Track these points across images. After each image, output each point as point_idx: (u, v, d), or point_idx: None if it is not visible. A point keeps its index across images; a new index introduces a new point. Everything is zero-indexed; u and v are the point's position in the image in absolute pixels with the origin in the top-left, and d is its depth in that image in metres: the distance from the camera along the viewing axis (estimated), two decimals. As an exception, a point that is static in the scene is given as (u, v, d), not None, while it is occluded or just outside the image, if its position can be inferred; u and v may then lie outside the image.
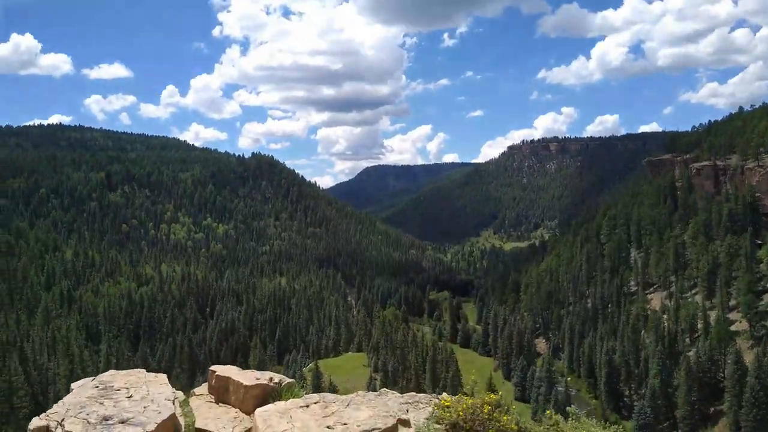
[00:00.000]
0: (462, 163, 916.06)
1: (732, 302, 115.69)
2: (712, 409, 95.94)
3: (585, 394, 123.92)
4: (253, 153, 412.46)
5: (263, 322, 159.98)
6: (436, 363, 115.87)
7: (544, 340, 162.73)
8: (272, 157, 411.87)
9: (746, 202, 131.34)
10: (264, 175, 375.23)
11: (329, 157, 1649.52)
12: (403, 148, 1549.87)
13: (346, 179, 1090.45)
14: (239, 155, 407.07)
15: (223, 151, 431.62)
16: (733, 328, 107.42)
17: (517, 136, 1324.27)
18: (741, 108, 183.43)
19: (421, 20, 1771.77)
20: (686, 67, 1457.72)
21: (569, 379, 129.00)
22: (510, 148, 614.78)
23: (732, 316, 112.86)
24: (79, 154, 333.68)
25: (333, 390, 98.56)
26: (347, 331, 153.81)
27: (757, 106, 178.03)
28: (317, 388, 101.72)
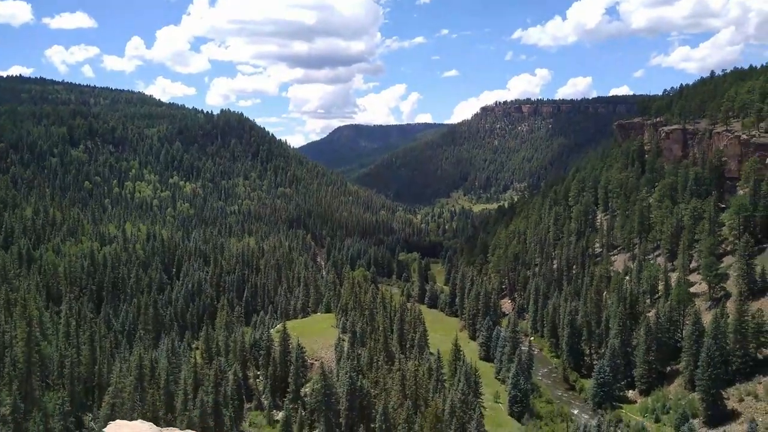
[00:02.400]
0: (435, 123, 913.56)
1: (693, 264, 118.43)
2: (668, 368, 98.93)
3: (547, 353, 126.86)
4: (222, 110, 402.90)
5: (231, 282, 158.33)
6: (404, 323, 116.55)
7: (510, 301, 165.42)
8: (242, 114, 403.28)
9: (712, 166, 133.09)
10: (233, 132, 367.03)
11: (301, 116, 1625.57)
12: (377, 108, 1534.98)
13: (317, 138, 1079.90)
14: (208, 112, 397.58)
15: (190, 107, 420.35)
16: (693, 290, 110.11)
17: (490, 97, 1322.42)
18: (712, 72, 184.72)
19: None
20: (660, 31, 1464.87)
21: (533, 339, 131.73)
22: (483, 109, 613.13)
23: (692, 278, 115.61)
24: (40, 107, 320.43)
25: (301, 350, 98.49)
26: (316, 292, 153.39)
27: (728, 71, 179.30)
28: (285, 349, 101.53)
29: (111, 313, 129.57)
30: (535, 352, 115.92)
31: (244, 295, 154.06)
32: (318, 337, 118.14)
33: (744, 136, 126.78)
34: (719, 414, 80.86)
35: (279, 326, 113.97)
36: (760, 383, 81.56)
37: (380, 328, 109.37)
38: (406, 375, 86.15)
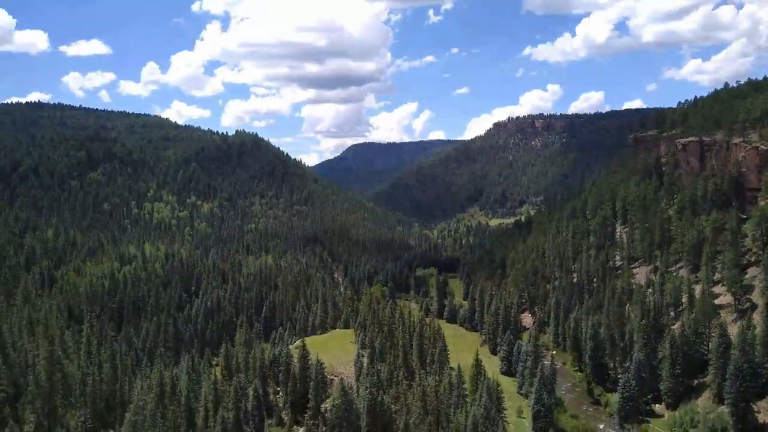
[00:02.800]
0: (448, 140, 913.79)
1: (717, 276, 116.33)
2: (695, 381, 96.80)
3: (570, 368, 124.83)
4: (236, 131, 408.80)
5: (249, 300, 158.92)
6: (423, 339, 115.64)
7: (530, 315, 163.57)
8: (256, 134, 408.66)
9: (731, 177, 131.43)
10: (248, 153, 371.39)
11: (314, 135, 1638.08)
12: (389, 126, 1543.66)
13: (331, 157, 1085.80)
14: (223, 133, 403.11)
15: (206, 129, 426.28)
16: (717, 301, 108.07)
17: (503, 113, 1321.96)
18: (726, 84, 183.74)
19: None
20: (670, 44, 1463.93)
21: (555, 353, 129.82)
22: (495, 125, 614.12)
23: (716, 290, 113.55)
24: (59, 132, 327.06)
25: (320, 366, 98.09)
26: (334, 309, 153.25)
27: (742, 82, 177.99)
28: (304, 365, 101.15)
29: (132, 332, 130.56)
30: (558, 367, 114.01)
31: (263, 312, 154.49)
32: (337, 353, 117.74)
33: (762, 147, 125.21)
34: (749, 428, 78.84)
35: (298, 342, 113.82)
36: (792, 396, 79.56)
37: (399, 344, 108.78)
38: (427, 391, 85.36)
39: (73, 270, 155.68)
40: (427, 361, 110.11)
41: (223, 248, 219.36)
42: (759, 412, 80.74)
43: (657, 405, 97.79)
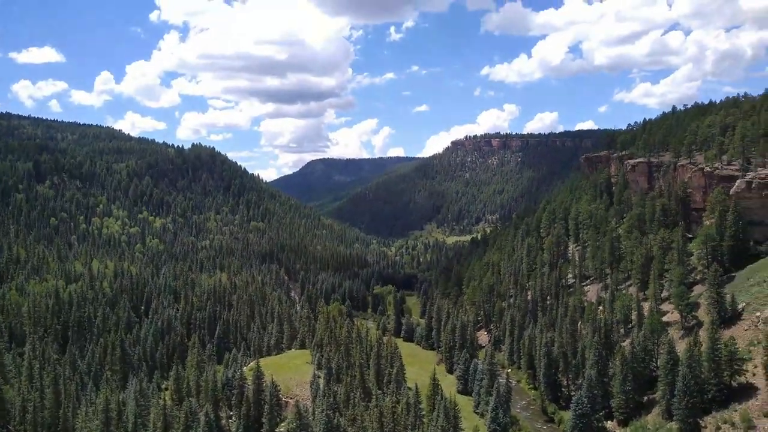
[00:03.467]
0: (407, 157, 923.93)
1: (664, 294, 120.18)
2: (645, 397, 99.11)
3: (525, 386, 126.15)
4: (193, 144, 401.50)
5: (202, 320, 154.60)
6: (381, 358, 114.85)
7: (486, 333, 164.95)
8: (213, 148, 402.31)
9: (678, 197, 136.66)
10: (204, 167, 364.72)
11: (273, 150, 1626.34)
12: (349, 142, 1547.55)
13: (290, 172, 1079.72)
14: (178, 146, 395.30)
15: (161, 141, 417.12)
16: (665, 319, 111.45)
17: (461, 132, 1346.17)
18: (674, 107, 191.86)
19: (368, 12, 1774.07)
20: (621, 68, 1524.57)
21: (510, 371, 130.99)
22: (454, 143, 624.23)
23: (664, 307, 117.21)
24: (6, 142, 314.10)
25: (275, 388, 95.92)
26: (290, 328, 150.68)
27: (689, 106, 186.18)
28: (259, 388, 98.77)
29: (77, 354, 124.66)
30: (513, 384, 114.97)
31: (216, 333, 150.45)
32: (293, 374, 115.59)
33: (707, 169, 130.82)
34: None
35: (252, 364, 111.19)
36: (736, 411, 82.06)
37: (356, 364, 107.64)
38: (384, 412, 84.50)
39: (15, 289, 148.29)
40: (384, 381, 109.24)
41: (176, 265, 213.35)
42: (706, 428, 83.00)
43: (609, 422, 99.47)
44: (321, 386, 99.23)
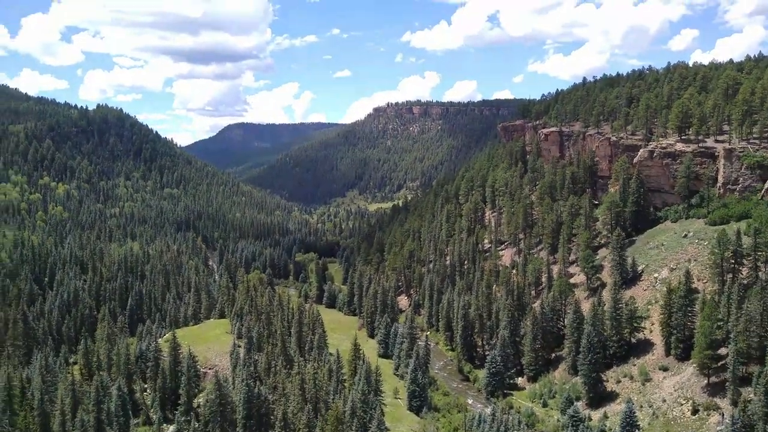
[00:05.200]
0: (329, 123, 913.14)
1: (572, 257, 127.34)
2: (553, 354, 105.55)
3: (443, 347, 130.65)
4: (98, 105, 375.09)
5: (112, 291, 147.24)
6: (303, 325, 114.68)
7: (406, 298, 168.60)
8: (121, 110, 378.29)
9: (586, 166, 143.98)
10: (112, 130, 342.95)
11: (187, 113, 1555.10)
12: (269, 107, 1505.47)
13: (206, 137, 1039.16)
14: (82, 107, 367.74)
15: (62, 101, 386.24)
16: (572, 280, 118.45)
17: (382, 98, 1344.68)
18: (584, 79, 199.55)
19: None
20: (536, 39, 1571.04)
21: (429, 333, 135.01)
22: (375, 110, 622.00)
23: (572, 269, 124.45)
24: None
25: (193, 359, 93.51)
26: (208, 298, 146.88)
27: (598, 78, 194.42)
28: (175, 360, 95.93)
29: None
30: (432, 346, 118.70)
31: (128, 304, 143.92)
32: (211, 344, 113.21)
33: (613, 138, 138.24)
34: (600, 395, 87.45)
35: (168, 335, 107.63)
36: (635, 365, 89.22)
37: (278, 332, 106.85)
38: (306, 378, 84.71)
39: None
40: (306, 348, 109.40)
41: (82, 235, 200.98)
42: (607, 381, 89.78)
43: (520, 378, 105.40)
44: (241, 356, 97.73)
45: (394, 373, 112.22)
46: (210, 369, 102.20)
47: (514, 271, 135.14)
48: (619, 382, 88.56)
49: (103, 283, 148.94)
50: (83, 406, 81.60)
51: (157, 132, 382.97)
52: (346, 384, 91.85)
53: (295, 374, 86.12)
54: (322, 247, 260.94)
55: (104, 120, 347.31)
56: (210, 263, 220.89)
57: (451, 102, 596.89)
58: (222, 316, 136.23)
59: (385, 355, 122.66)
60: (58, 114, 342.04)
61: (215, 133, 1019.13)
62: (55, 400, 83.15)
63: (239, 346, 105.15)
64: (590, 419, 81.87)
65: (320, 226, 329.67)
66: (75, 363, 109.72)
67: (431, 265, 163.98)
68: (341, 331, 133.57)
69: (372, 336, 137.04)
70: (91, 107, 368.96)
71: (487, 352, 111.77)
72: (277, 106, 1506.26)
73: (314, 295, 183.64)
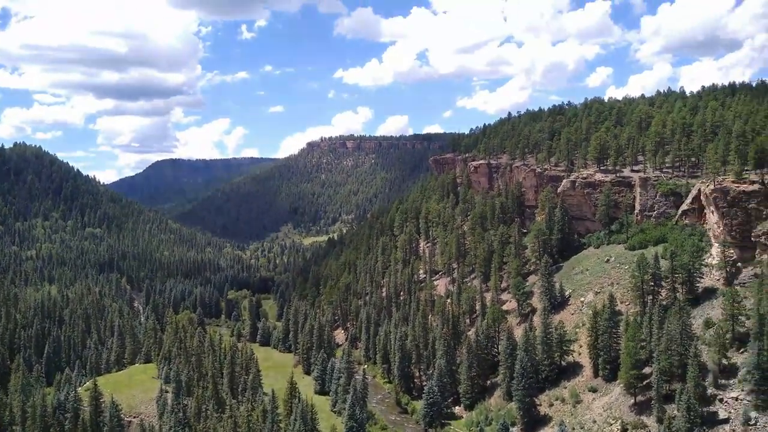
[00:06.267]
0: (262, 158, 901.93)
1: (504, 284, 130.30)
2: (489, 381, 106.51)
3: (381, 380, 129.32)
4: (15, 143, 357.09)
5: (28, 338, 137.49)
6: (235, 366, 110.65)
7: (343, 331, 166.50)
8: (40, 147, 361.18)
9: (514, 196, 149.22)
10: (29, 168, 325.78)
11: (112, 150, 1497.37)
12: (200, 142, 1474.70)
13: (132, 174, 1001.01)
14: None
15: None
16: (505, 307, 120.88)
17: (316, 133, 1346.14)
18: (509, 114, 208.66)
19: (218, 8, 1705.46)
20: (464, 76, 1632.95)
21: (366, 367, 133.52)
22: (309, 144, 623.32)
23: (504, 296, 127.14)
24: None
25: (116, 408, 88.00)
26: (133, 342, 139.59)
27: (522, 113, 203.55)
28: (96, 409, 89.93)
29: None
30: (369, 380, 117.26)
31: (45, 352, 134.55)
32: (136, 391, 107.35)
33: (538, 170, 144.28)
34: (534, 420, 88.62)
35: (89, 383, 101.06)
36: (566, 388, 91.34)
37: (209, 374, 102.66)
38: (239, 422, 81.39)
39: None
40: (240, 389, 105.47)
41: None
42: (541, 405, 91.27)
43: (457, 407, 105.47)
44: (169, 401, 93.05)
45: (332, 410, 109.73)
46: (135, 417, 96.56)
47: (449, 300, 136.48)
48: (551, 405, 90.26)
49: (17, 330, 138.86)
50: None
51: (78, 170, 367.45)
52: (281, 425, 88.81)
53: (228, 417, 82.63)
54: (256, 283, 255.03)
55: (22, 158, 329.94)
56: (136, 305, 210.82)
57: (383, 136, 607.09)
58: (148, 360, 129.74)
59: (322, 391, 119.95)
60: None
61: (142, 170, 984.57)
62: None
63: (167, 392, 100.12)
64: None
65: (254, 262, 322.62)
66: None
67: (367, 298, 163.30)
68: (276, 370, 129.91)
69: (308, 373, 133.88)
70: (8, 145, 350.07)
71: (424, 383, 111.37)
72: (208, 141, 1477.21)
73: (248, 333, 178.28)
